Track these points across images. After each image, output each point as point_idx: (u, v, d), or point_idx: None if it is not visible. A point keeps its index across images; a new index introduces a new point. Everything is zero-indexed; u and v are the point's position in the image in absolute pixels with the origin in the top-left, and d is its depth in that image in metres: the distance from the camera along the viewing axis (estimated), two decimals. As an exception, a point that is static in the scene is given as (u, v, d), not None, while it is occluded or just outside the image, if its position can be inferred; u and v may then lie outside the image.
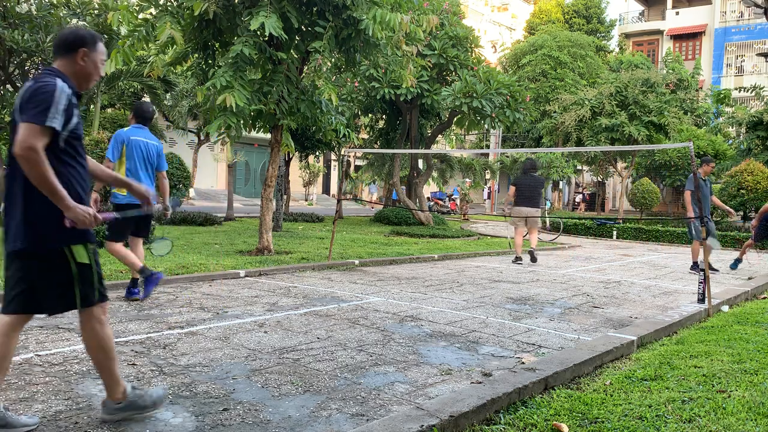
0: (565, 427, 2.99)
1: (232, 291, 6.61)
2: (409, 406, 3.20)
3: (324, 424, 2.99)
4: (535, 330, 5.26)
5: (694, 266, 9.68)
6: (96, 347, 2.89)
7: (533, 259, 10.41)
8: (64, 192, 2.64)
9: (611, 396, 3.47)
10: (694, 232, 9.51)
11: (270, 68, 8.81)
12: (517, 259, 10.49)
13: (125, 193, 5.56)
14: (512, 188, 10.57)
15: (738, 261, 10.21)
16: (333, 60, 9.86)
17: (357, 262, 9.34)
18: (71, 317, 5.04)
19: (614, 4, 44.83)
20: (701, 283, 6.46)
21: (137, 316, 5.16)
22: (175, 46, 8.80)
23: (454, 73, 16.37)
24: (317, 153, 20.07)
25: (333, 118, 9.85)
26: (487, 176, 35.60)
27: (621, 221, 18.69)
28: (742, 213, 17.41)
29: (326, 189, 41.62)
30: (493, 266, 10.02)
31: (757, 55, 37.07)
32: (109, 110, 26.58)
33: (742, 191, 16.25)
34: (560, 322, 5.65)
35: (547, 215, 20.23)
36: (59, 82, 2.71)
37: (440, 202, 29.56)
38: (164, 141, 25.62)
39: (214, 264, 7.96)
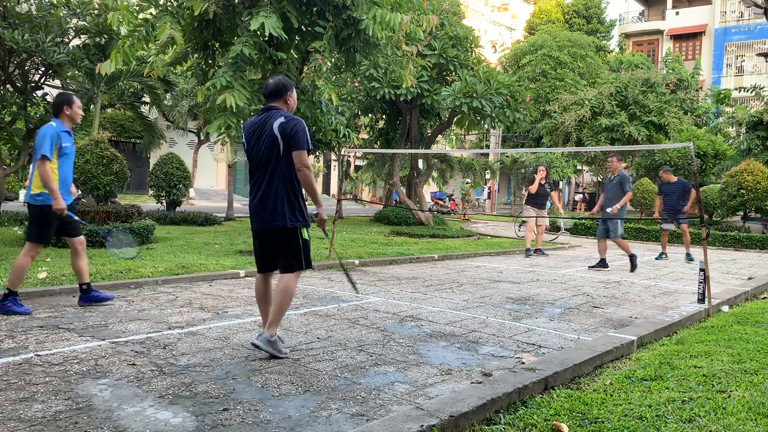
0: (565, 427, 2.99)
1: (232, 291, 6.61)
2: (409, 406, 3.20)
3: (324, 424, 2.99)
4: (535, 330, 5.26)
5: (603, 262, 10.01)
6: (285, 293, 4.07)
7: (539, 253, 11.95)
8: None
9: (611, 396, 3.47)
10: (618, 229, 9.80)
11: (270, 68, 8.81)
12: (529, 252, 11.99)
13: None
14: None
15: None
16: (333, 60, 9.87)
17: (357, 262, 9.33)
18: (71, 317, 5.04)
19: (614, 4, 44.84)
20: (701, 283, 6.46)
21: (137, 316, 5.16)
22: (175, 46, 8.81)
23: (454, 73, 16.37)
24: (317, 153, 20.09)
25: (333, 118, 9.85)
26: (487, 176, 35.59)
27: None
28: (742, 213, 17.40)
29: (326, 189, 41.62)
30: (493, 266, 10.02)
31: (757, 55, 37.07)
32: (109, 110, 26.59)
33: (742, 191, 16.23)
34: (560, 322, 5.65)
35: (546, 215, 20.23)
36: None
37: (440, 202, 29.55)
38: (164, 141, 25.62)
39: (214, 264, 7.96)
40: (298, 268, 4.14)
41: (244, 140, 4.24)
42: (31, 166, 5.28)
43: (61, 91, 5.36)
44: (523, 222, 18.09)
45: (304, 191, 4.17)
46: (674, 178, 11.86)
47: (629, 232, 17.63)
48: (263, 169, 4.09)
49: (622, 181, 9.65)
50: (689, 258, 11.84)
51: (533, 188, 11.91)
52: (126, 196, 25.53)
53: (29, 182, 5.21)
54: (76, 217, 5.53)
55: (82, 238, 5.54)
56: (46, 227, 5.22)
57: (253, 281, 7.34)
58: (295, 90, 4.34)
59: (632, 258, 9.53)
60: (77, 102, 5.40)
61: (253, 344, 4.07)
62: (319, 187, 39.72)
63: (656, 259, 12.12)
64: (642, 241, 17.14)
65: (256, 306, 5.78)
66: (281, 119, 4.04)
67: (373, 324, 5.24)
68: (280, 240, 4.13)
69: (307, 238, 4.17)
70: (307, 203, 4.29)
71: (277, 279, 4.19)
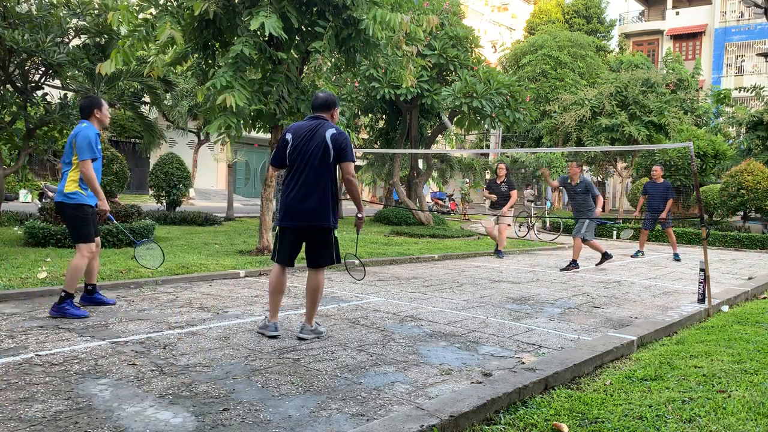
0: (565, 427, 2.99)
1: (232, 291, 6.61)
2: (409, 406, 3.20)
3: (324, 424, 2.99)
4: (535, 330, 5.26)
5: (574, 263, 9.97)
6: (320, 286, 4.68)
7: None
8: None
9: (611, 396, 3.47)
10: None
11: (270, 68, 8.81)
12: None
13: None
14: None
15: None
16: (333, 60, 9.86)
17: (357, 262, 9.32)
18: (71, 317, 5.04)
19: (614, 4, 44.84)
20: (701, 283, 6.46)
21: (137, 316, 5.16)
22: (175, 46, 8.80)
23: (454, 73, 16.37)
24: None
25: (333, 118, 9.83)
26: (487, 176, 35.58)
27: (621, 221, 18.68)
28: (742, 213, 17.40)
29: (326, 189, 41.55)
30: (493, 266, 10.02)
31: (757, 55, 37.06)
32: (109, 110, 26.57)
33: (742, 191, 16.24)
34: (560, 322, 5.65)
35: (547, 215, 20.24)
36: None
37: (440, 202, 29.55)
38: (164, 141, 25.62)
39: (214, 264, 7.96)
40: (330, 263, 4.66)
41: (289, 138, 4.61)
42: (63, 166, 5.31)
43: (91, 95, 5.41)
44: (522, 223, 18.15)
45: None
46: (661, 180, 11.87)
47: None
48: (310, 170, 4.50)
49: (588, 187, 9.69)
50: (676, 258, 11.96)
51: (489, 194, 11.57)
52: (126, 196, 25.54)
53: (62, 182, 5.24)
54: (115, 221, 5.70)
55: (98, 239, 5.60)
56: (86, 225, 5.28)
57: (253, 281, 7.34)
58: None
59: (605, 255, 10.04)
60: (106, 105, 5.52)
61: (300, 338, 4.60)
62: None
63: (632, 256, 12.40)
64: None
65: (256, 306, 5.78)
66: (333, 130, 4.56)
67: (373, 324, 5.24)
68: (319, 238, 4.60)
69: (337, 236, 4.69)
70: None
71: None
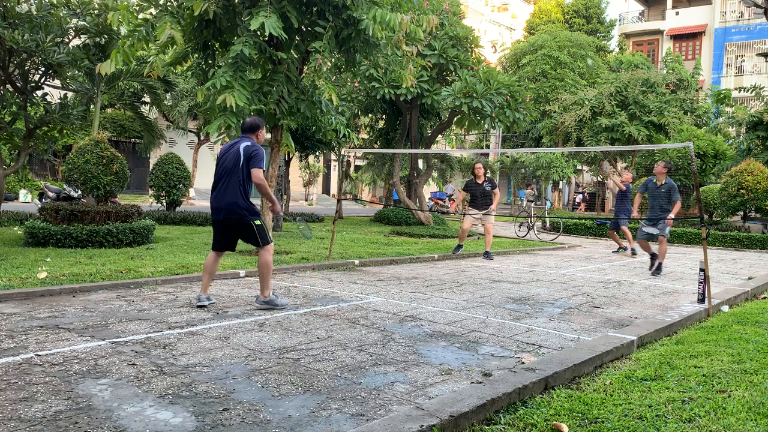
0: (565, 427, 2.99)
1: (232, 291, 6.61)
2: (409, 406, 3.20)
3: (324, 424, 2.99)
4: (535, 330, 5.26)
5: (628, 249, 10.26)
6: (264, 264, 5.66)
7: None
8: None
9: (611, 396, 3.47)
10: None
11: (270, 68, 8.81)
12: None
13: None
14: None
15: None
16: (333, 60, 9.87)
17: (357, 262, 9.33)
18: (71, 317, 5.04)
19: (614, 4, 44.89)
20: (701, 283, 6.46)
21: (137, 316, 5.16)
22: (175, 46, 8.80)
23: (454, 73, 16.37)
24: (317, 153, 20.08)
25: (333, 118, 9.85)
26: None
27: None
28: (742, 213, 17.41)
29: (326, 189, 41.63)
30: (493, 266, 10.02)
31: (757, 55, 37.06)
32: (109, 110, 26.60)
33: (742, 191, 16.24)
34: (560, 322, 5.65)
35: (547, 215, 20.25)
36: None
37: (440, 202, 29.56)
38: (164, 141, 25.64)
39: (214, 264, 7.95)
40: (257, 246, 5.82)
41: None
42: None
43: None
44: (522, 223, 18.14)
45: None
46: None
47: (630, 233, 17.59)
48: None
49: (671, 190, 9.45)
50: (629, 250, 12.49)
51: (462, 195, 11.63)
52: (126, 196, 25.54)
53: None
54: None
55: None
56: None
57: (253, 281, 7.35)
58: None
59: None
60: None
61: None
62: (319, 187, 39.84)
63: (614, 252, 12.77)
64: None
65: (256, 306, 5.79)
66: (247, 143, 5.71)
67: (373, 324, 5.24)
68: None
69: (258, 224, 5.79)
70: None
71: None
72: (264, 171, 5.66)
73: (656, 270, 9.47)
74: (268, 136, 9.95)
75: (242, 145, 5.62)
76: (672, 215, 9.33)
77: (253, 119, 5.85)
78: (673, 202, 9.36)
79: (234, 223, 5.70)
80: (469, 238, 15.13)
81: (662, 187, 9.53)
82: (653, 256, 9.75)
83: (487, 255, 11.22)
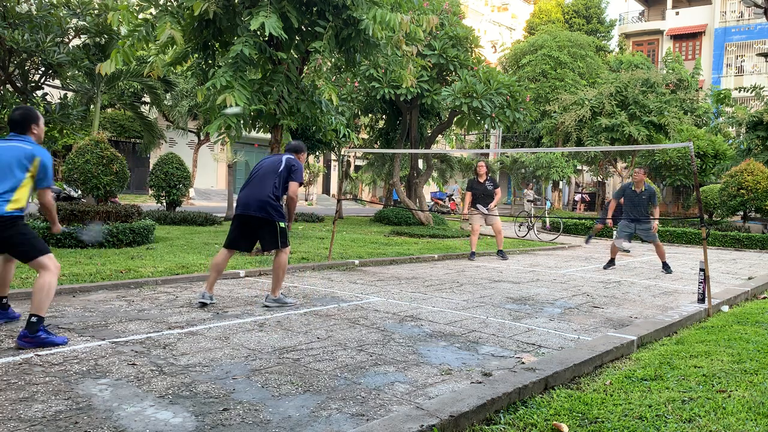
0: (565, 427, 2.99)
1: (232, 291, 6.61)
2: (409, 406, 3.20)
3: (324, 424, 2.99)
4: (535, 330, 5.26)
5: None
6: (281, 265, 5.85)
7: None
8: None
9: (611, 396, 3.47)
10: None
11: (270, 68, 8.82)
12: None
13: None
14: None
15: None
16: (333, 60, 9.88)
17: (357, 262, 9.33)
18: (71, 317, 5.04)
19: (614, 4, 44.89)
20: (701, 283, 6.46)
21: (137, 316, 5.17)
22: (175, 46, 8.81)
23: (454, 73, 16.37)
24: (317, 153, 20.08)
25: (333, 118, 9.86)
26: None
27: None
28: (742, 213, 17.41)
29: (326, 189, 41.63)
30: (493, 266, 10.02)
31: (757, 55, 37.06)
32: (109, 110, 26.60)
33: (742, 191, 16.24)
34: (560, 322, 5.65)
35: (547, 215, 20.25)
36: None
37: (440, 202, 29.57)
38: (164, 141, 25.63)
39: (214, 264, 7.95)
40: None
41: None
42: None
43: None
44: (522, 223, 18.14)
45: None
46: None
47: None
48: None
49: (651, 197, 9.75)
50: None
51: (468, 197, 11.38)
52: (126, 196, 25.55)
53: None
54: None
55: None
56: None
57: (253, 281, 7.35)
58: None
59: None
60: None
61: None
62: (319, 187, 39.86)
63: (586, 242, 13.20)
64: (642, 241, 17.11)
65: (256, 306, 5.79)
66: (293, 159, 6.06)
67: (373, 324, 5.24)
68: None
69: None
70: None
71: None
72: (300, 185, 5.91)
73: (665, 268, 9.74)
74: (268, 136, 9.94)
75: (286, 157, 5.86)
76: (655, 220, 9.51)
77: (299, 143, 6.21)
78: (654, 207, 9.70)
79: (259, 220, 5.71)
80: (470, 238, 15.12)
81: (643, 194, 9.51)
82: (612, 261, 10.18)
83: (500, 254, 11.29)
